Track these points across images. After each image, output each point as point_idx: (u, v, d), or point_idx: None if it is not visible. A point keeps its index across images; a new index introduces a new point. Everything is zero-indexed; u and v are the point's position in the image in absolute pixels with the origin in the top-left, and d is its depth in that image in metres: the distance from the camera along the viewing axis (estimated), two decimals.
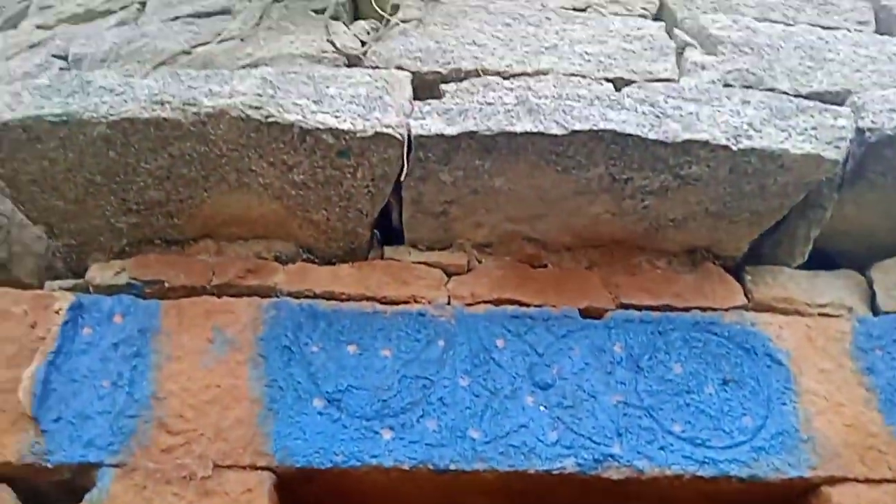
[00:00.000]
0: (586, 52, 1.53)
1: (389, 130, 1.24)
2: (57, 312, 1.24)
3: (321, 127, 1.24)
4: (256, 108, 1.24)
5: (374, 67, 1.49)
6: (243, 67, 1.50)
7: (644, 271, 1.40)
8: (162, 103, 1.23)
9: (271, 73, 1.35)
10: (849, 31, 1.63)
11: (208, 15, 1.70)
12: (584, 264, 1.41)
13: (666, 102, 1.30)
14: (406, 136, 1.25)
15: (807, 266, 1.43)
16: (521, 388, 1.22)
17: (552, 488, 1.22)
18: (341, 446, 1.15)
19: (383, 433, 1.17)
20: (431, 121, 1.27)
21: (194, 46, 1.55)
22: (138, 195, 1.32)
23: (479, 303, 1.33)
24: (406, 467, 1.17)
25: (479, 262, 1.39)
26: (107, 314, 1.26)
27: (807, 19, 1.65)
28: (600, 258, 1.41)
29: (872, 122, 1.32)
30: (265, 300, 1.30)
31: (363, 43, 1.58)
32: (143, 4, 1.85)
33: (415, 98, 1.39)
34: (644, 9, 1.67)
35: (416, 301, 1.32)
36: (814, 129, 1.28)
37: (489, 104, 1.29)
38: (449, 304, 1.33)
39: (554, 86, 1.43)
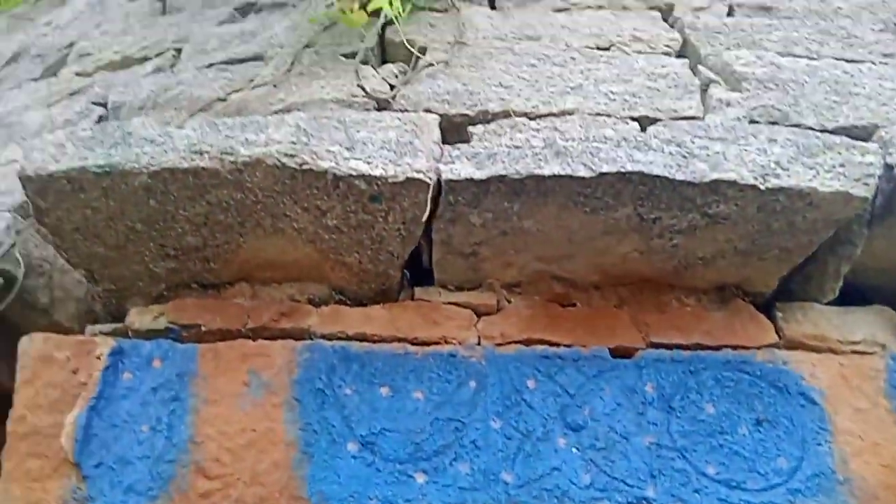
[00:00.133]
0: (611, 92, 1.55)
1: (420, 175, 1.27)
2: (98, 358, 1.28)
3: (354, 173, 1.27)
4: (291, 155, 1.27)
5: (403, 110, 1.52)
6: (276, 113, 1.55)
7: (674, 309, 1.40)
8: (200, 153, 1.27)
9: (304, 120, 1.38)
10: (874, 64, 1.63)
11: (241, 61, 1.76)
12: (614, 303, 1.42)
13: (693, 142, 1.31)
14: (436, 181, 1.28)
15: (838, 302, 1.43)
16: (554, 430, 1.23)
17: None
18: (375, 490, 1.17)
19: (417, 477, 1.18)
20: (461, 165, 1.29)
21: (229, 93, 1.59)
22: (176, 241, 1.35)
23: (509, 343, 1.34)
24: None
25: (509, 301, 1.41)
26: (146, 359, 1.29)
27: (831, 53, 1.65)
28: (629, 296, 1.42)
29: None
30: (299, 343, 1.32)
31: (392, 86, 1.62)
32: (179, 51, 1.91)
33: (443, 139, 1.42)
34: (667, 46, 1.69)
35: (446, 342, 1.34)
36: (842, 166, 1.28)
37: (517, 147, 1.31)
38: (479, 344, 1.34)
39: (580, 126, 1.46)
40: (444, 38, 1.73)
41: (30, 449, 1.22)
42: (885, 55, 1.68)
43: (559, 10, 1.82)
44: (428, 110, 1.52)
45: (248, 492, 1.17)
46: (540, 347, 1.32)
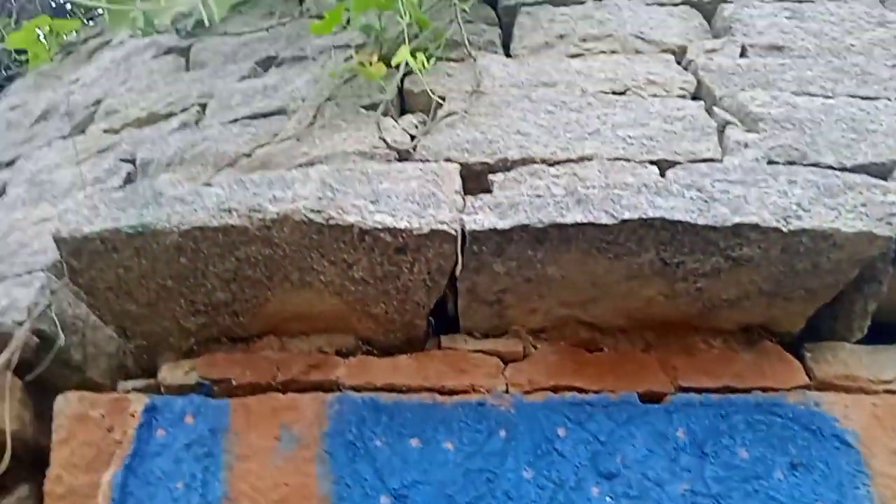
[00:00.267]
0: (629, 136, 1.57)
1: (444, 227, 1.29)
2: (132, 415, 1.29)
3: (379, 227, 1.29)
4: (317, 211, 1.30)
5: (424, 160, 1.55)
6: (301, 166, 1.58)
7: (701, 351, 1.40)
8: (229, 210, 1.30)
9: (329, 173, 1.42)
10: (889, 100, 1.64)
11: (265, 116, 1.80)
12: (640, 346, 1.42)
13: (713, 186, 1.32)
14: (460, 231, 1.30)
15: (867, 340, 1.42)
16: (586, 479, 1.22)
17: None
18: None
19: None
20: (484, 215, 1.31)
21: (254, 148, 1.63)
22: (206, 297, 1.38)
23: (537, 390, 1.34)
24: None
25: (535, 347, 1.41)
26: (178, 415, 1.31)
27: (846, 91, 1.67)
28: (656, 339, 1.42)
29: None
30: (328, 395, 1.34)
31: (412, 136, 1.65)
32: (203, 107, 1.96)
33: (464, 187, 1.44)
34: (682, 89, 1.71)
35: (474, 390, 1.35)
36: (863, 205, 1.29)
37: (538, 196, 1.33)
38: (507, 392, 1.34)
39: (599, 171, 1.48)
40: (461, 88, 1.76)
41: None
42: None
43: (573, 56, 1.85)
44: (448, 159, 1.55)
45: None
46: (569, 394, 1.32)
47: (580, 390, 1.33)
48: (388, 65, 1.73)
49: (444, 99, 1.74)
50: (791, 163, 1.47)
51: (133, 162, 1.83)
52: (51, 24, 2.86)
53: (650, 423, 1.28)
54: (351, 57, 1.92)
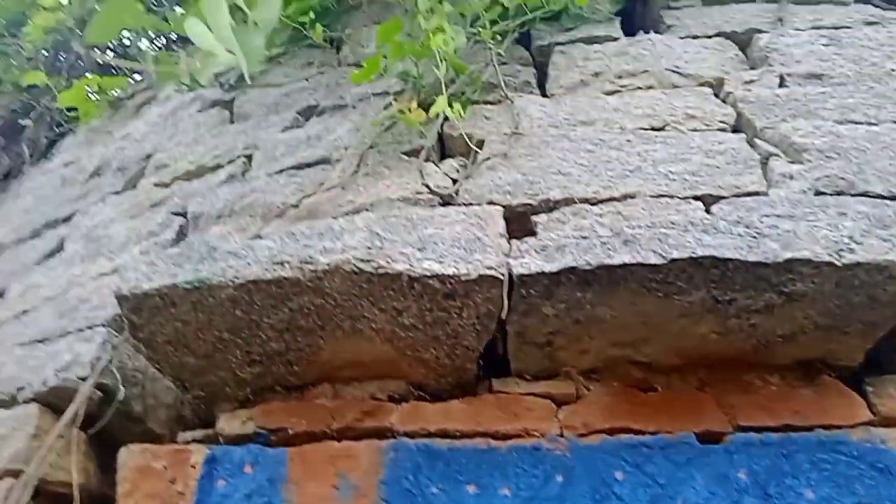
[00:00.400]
0: (670, 172, 1.57)
1: (492, 272, 1.30)
2: (193, 467, 1.32)
3: (427, 274, 1.31)
4: (367, 260, 1.32)
5: (467, 204, 1.57)
6: (347, 214, 1.62)
7: (758, 389, 1.38)
8: (282, 263, 1.34)
9: (374, 221, 1.45)
10: None
11: (309, 165, 1.85)
12: (695, 385, 1.41)
13: (761, 221, 1.32)
14: (507, 276, 1.31)
15: None
16: None
17: None
18: None
19: None
20: (530, 259, 1.32)
21: (301, 199, 1.67)
22: (260, 347, 1.41)
23: (592, 433, 1.33)
24: None
25: (588, 389, 1.41)
26: (238, 465, 1.33)
27: (890, 117, 1.65)
28: (710, 377, 1.40)
29: None
30: (383, 442, 1.35)
31: (454, 181, 1.67)
32: (249, 157, 2.02)
33: (507, 229, 1.46)
34: (722, 122, 1.71)
35: (528, 434, 1.34)
36: None
37: (584, 237, 1.33)
38: (562, 435, 1.34)
39: (643, 209, 1.48)
40: (500, 130, 1.79)
41: None
42: None
43: (610, 94, 1.86)
44: (491, 202, 1.56)
45: None
46: (625, 436, 1.31)
47: (636, 432, 1.32)
48: (427, 110, 1.76)
49: (483, 142, 1.77)
50: (839, 193, 1.45)
51: (184, 215, 1.89)
52: (99, 82, 3.00)
53: (710, 465, 1.26)
54: (390, 104, 1.97)
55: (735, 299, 1.29)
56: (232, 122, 2.25)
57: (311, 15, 2.33)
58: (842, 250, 1.25)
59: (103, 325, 1.55)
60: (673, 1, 2.14)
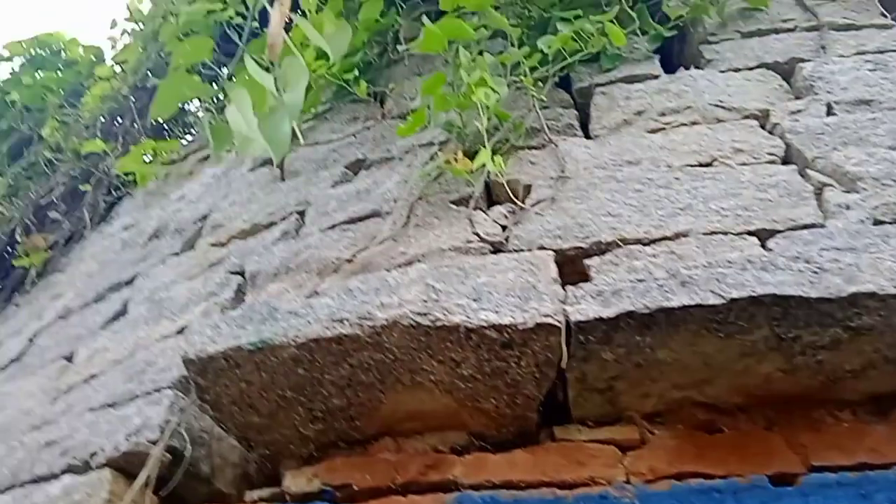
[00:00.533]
0: (722, 208, 1.56)
1: (549, 320, 1.31)
2: None
3: (484, 324, 1.32)
4: (424, 314, 1.34)
5: (518, 251, 1.58)
6: (400, 266, 1.65)
7: (829, 426, 1.34)
8: (341, 320, 1.37)
9: (428, 272, 1.47)
10: None
11: (361, 219, 1.89)
12: (763, 424, 1.37)
13: (821, 255, 1.30)
14: (564, 323, 1.31)
15: None
16: None
17: None
18: None
19: None
20: (587, 304, 1.32)
21: (355, 254, 1.71)
22: (323, 404, 1.43)
23: (659, 478, 1.31)
24: None
25: (652, 433, 1.39)
26: None
27: None
28: (778, 416, 1.37)
29: None
30: (448, 495, 1.34)
31: (503, 227, 1.69)
32: (301, 214, 2.08)
33: (559, 273, 1.46)
34: (771, 154, 1.70)
35: (594, 482, 1.32)
36: None
37: (640, 280, 1.33)
38: (629, 482, 1.31)
39: (697, 247, 1.47)
40: (546, 174, 1.80)
41: None
42: None
43: (654, 132, 1.87)
44: (542, 247, 1.57)
45: None
46: (694, 481, 1.28)
47: (706, 476, 1.29)
48: (472, 158, 1.79)
49: (530, 187, 1.79)
50: None
51: (242, 273, 1.94)
52: (154, 146, 3.13)
53: None
54: (436, 154, 2.01)
55: (799, 336, 1.27)
56: (283, 179, 2.32)
57: (355, 72, 2.40)
58: None
59: (170, 388, 1.60)
60: (711, 35, 2.15)
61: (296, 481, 1.44)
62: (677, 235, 1.52)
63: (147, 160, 3.10)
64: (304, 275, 1.77)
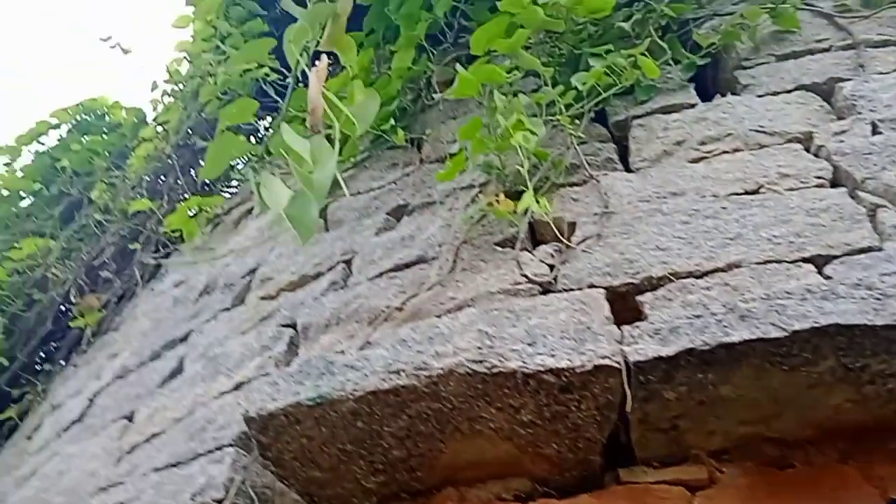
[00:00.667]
0: (774, 236, 1.54)
1: (607, 361, 1.29)
2: None
3: (541, 369, 1.31)
4: (479, 361, 1.34)
5: (567, 290, 1.58)
6: (450, 311, 1.65)
7: None
8: (397, 372, 1.38)
9: (478, 316, 1.47)
10: None
11: (407, 266, 1.91)
12: (835, 457, 1.33)
13: (883, 281, 1.26)
14: (623, 364, 1.30)
15: None
16: None
17: None
18: None
19: None
20: (645, 344, 1.31)
21: (404, 301, 1.72)
22: (383, 456, 1.43)
23: None
24: None
25: (721, 471, 1.35)
26: None
27: None
28: (852, 449, 1.32)
29: None
30: None
31: (550, 267, 1.69)
32: (348, 262, 2.10)
33: (612, 311, 1.45)
34: (818, 177, 1.67)
35: None
36: None
37: (697, 316, 1.31)
38: None
39: (751, 277, 1.45)
40: (590, 210, 1.80)
41: None
42: None
43: (695, 161, 1.86)
44: (591, 285, 1.56)
45: None
46: None
47: None
48: (513, 198, 1.80)
49: (574, 224, 1.79)
50: None
51: (293, 326, 1.97)
52: (199, 202, 3.21)
53: None
54: (476, 196, 2.03)
55: (867, 365, 1.23)
56: (327, 229, 2.36)
57: (392, 121, 2.45)
58: None
59: (231, 445, 1.61)
60: (745, 60, 2.14)
61: None
62: (730, 266, 1.50)
63: (192, 215, 3.18)
64: (355, 325, 1.79)
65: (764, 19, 2.18)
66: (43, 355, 3.71)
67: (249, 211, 2.98)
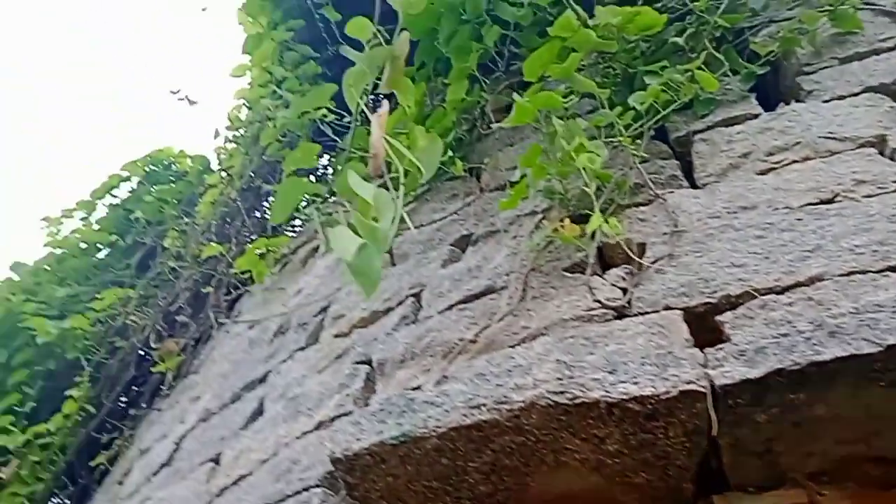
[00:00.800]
0: (855, 246, 1.48)
1: (692, 386, 1.27)
2: None
3: (625, 397, 1.30)
4: (560, 392, 1.34)
5: (642, 313, 1.56)
6: (524, 341, 1.65)
7: None
8: (478, 406, 1.38)
9: (554, 345, 1.47)
10: None
11: (476, 297, 1.91)
12: None
13: None
14: (709, 388, 1.27)
15: None
16: None
17: None
18: None
19: None
20: (730, 366, 1.28)
21: (477, 333, 1.73)
22: (470, 491, 1.43)
23: None
24: None
25: (821, 494, 1.30)
26: None
27: None
28: None
29: None
30: None
31: (623, 290, 1.67)
32: (416, 296, 2.13)
33: (690, 332, 1.42)
34: None
35: None
36: None
37: (784, 335, 1.28)
38: None
39: (835, 290, 1.40)
40: (658, 230, 1.78)
41: None
42: None
43: (764, 173, 1.82)
44: (668, 307, 1.54)
45: None
46: None
47: None
48: (578, 222, 1.80)
49: (644, 245, 1.76)
50: None
51: (368, 362, 2.00)
52: (266, 243, 3.31)
53: None
54: (540, 222, 2.03)
55: None
56: (393, 263, 2.39)
57: (449, 152, 2.48)
58: None
59: (318, 486, 1.64)
60: (806, 66, 2.09)
61: None
62: (812, 280, 1.46)
63: (259, 255, 3.28)
64: (429, 359, 1.80)
65: (823, 22, 2.13)
66: (127, 401, 3.86)
67: (315, 249, 3.05)
